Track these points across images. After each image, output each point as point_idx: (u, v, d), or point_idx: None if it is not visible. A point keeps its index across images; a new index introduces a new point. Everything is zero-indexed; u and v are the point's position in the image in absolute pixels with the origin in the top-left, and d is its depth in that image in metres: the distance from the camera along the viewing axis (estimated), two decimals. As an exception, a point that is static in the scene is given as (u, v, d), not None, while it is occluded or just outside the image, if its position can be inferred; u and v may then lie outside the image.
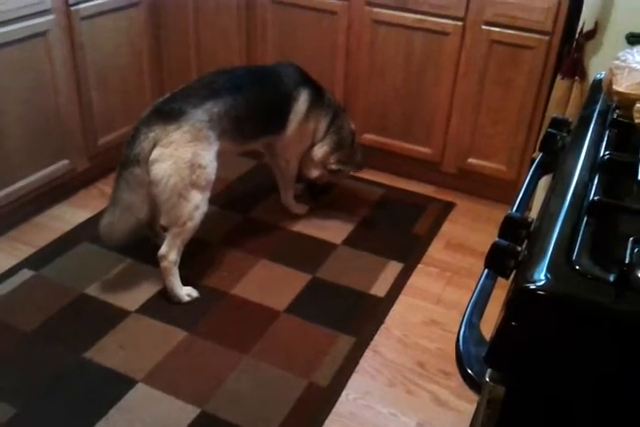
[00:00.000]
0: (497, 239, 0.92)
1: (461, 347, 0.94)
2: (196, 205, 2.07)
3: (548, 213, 0.92)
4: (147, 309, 2.10)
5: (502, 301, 0.86)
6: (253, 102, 2.25)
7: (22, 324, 2.01)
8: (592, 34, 2.11)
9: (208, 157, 2.08)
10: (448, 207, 2.76)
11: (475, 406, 0.89)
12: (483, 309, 1.03)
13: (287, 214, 2.64)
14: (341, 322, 2.09)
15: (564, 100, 2.21)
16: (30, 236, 2.44)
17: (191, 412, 1.75)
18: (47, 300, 2.11)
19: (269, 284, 2.25)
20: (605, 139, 1.13)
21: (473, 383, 0.89)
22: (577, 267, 0.77)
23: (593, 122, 1.22)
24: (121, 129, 2.75)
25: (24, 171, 2.42)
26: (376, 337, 2.06)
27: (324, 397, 1.83)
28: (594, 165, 1.03)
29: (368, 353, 2.00)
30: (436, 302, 2.23)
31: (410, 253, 2.46)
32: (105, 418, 1.72)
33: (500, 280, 0.98)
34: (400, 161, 2.88)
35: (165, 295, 2.14)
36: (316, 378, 1.88)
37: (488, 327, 0.88)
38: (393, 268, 2.37)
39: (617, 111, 1.19)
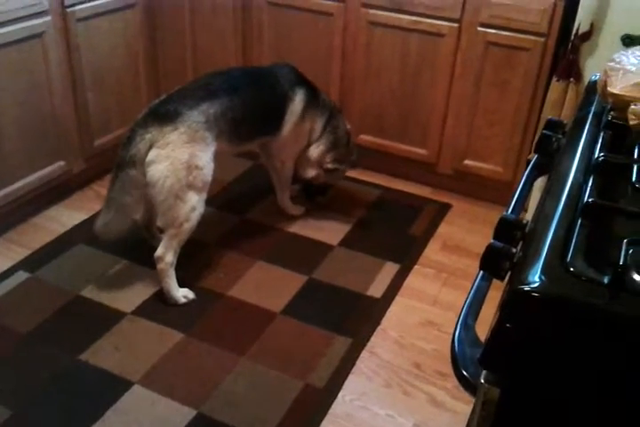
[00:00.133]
0: (492, 241, 0.93)
1: (456, 348, 0.94)
2: (193, 206, 2.07)
3: (543, 214, 0.92)
4: (143, 310, 2.10)
5: (498, 302, 0.87)
6: (249, 103, 2.25)
7: (18, 326, 2.01)
8: (587, 35, 2.12)
9: (205, 159, 2.08)
10: (444, 209, 2.77)
11: (471, 407, 0.90)
12: (478, 310, 1.03)
13: (283, 216, 2.64)
14: (338, 323, 2.09)
15: (560, 101, 2.21)
16: (26, 237, 2.44)
17: (187, 414, 1.75)
18: (43, 302, 2.11)
19: (266, 285, 2.25)
20: (600, 140, 1.13)
21: (468, 385, 0.89)
22: (571, 269, 0.77)
23: (588, 124, 1.22)
24: (117, 130, 2.75)
25: (20, 172, 2.41)
26: (372, 338, 2.06)
27: (321, 398, 1.83)
28: (588, 167, 1.03)
29: (364, 354, 2.00)
30: (432, 304, 2.23)
31: (406, 254, 2.46)
32: (101, 420, 1.71)
33: (496, 281, 0.98)
34: (396, 162, 2.89)
35: (162, 297, 2.14)
36: (312, 379, 1.88)
37: (484, 328, 0.89)
38: (389, 269, 2.37)
39: (611, 113, 1.20)
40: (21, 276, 2.22)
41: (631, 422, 0.77)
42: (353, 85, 2.78)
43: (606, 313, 0.74)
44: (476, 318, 1.01)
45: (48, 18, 2.33)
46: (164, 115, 2.04)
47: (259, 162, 2.83)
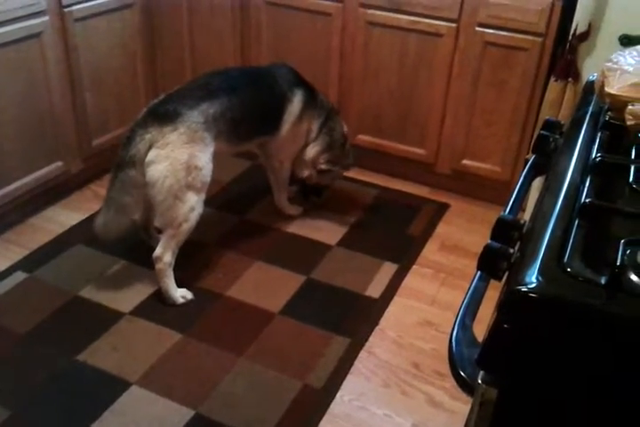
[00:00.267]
0: (489, 241, 0.93)
1: (454, 349, 0.94)
2: (192, 206, 2.07)
3: (540, 215, 0.92)
4: (141, 311, 2.10)
5: (496, 301, 0.87)
6: (248, 103, 2.25)
7: (16, 326, 2.01)
8: (585, 35, 2.12)
9: (204, 159, 2.08)
10: (442, 208, 2.77)
11: (469, 407, 0.90)
12: (476, 310, 1.03)
13: (282, 216, 2.64)
14: (336, 323, 2.09)
15: (558, 101, 2.21)
16: (24, 238, 2.44)
17: (185, 414, 1.75)
18: (41, 302, 2.11)
19: (264, 285, 2.25)
20: (597, 141, 1.14)
21: (466, 385, 0.89)
22: (568, 269, 0.77)
23: (585, 124, 1.22)
24: (115, 131, 2.75)
25: (18, 172, 2.41)
26: (371, 338, 2.06)
27: (319, 398, 1.83)
28: (586, 167, 1.03)
29: (363, 354, 2.00)
30: (430, 303, 2.23)
31: (404, 254, 2.46)
32: (99, 420, 1.71)
33: (494, 281, 0.98)
34: (394, 162, 2.89)
35: (160, 297, 2.14)
36: (310, 380, 1.88)
37: (482, 328, 0.89)
38: (387, 269, 2.37)
39: (609, 113, 1.20)
40: (19, 276, 2.22)
41: (628, 422, 0.77)
42: (351, 85, 2.78)
43: (603, 314, 0.74)
44: (473, 319, 1.01)
45: (46, 18, 2.33)
46: (163, 115, 2.04)
47: (257, 162, 2.83)
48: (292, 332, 2.05)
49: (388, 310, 2.19)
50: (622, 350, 0.74)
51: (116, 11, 2.64)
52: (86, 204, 2.65)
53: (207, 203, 2.18)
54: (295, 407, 1.78)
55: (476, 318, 1.02)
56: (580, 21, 2.10)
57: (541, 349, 0.77)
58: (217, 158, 2.16)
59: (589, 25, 2.09)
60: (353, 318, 2.13)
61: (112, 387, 1.81)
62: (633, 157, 1.06)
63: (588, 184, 0.97)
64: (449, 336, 0.97)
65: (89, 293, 2.16)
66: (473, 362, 0.84)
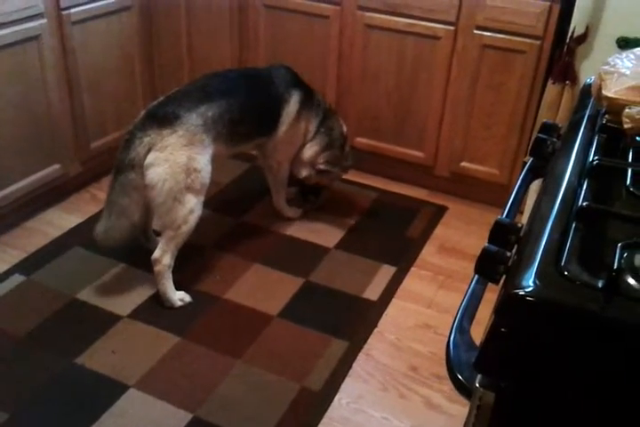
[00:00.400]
0: (486, 245, 0.93)
1: (452, 352, 0.94)
2: (191, 208, 2.07)
3: (538, 218, 0.92)
4: (139, 314, 2.09)
5: (494, 304, 0.87)
6: (246, 105, 2.25)
7: (13, 329, 2.00)
8: (583, 38, 2.13)
9: (203, 161, 2.08)
10: (441, 211, 2.77)
11: (467, 409, 0.90)
12: (473, 313, 1.03)
13: (280, 218, 2.63)
14: (334, 326, 2.09)
15: (556, 104, 2.22)
16: (22, 240, 2.43)
17: (183, 417, 1.74)
18: (39, 305, 2.10)
19: (262, 288, 2.25)
20: (595, 144, 1.14)
21: (463, 389, 0.89)
22: (565, 273, 0.77)
23: (582, 127, 1.23)
24: (113, 133, 2.75)
25: (15, 175, 2.41)
26: (369, 341, 2.06)
27: (317, 401, 1.82)
28: (583, 171, 1.04)
29: (361, 357, 2.00)
30: (428, 306, 2.23)
31: (403, 256, 2.46)
32: (97, 423, 1.71)
33: (493, 284, 0.98)
34: (393, 165, 2.89)
35: (158, 300, 2.14)
36: (308, 382, 1.87)
37: (481, 330, 0.89)
38: (386, 271, 2.37)
39: (606, 116, 1.20)
40: (17, 279, 2.22)
41: (628, 424, 0.77)
42: (349, 88, 2.78)
43: (601, 317, 0.74)
44: (471, 322, 1.01)
45: (44, 20, 2.33)
46: (162, 118, 2.04)
47: (255, 164, 2.83)
48: (290, 335, 2.05)
49: (386, 312, 2.19)
50: (619, 354, 0.74)
51: (114, 13, 2.64)
52: (84, 206, 2.65)
53: (205, 205, 2.18)
54: (293, 410, 1.78)
55: (475, 321, 1.02)
56: (577, 24, 2.11)
57: (539, 352, 0.77)
58: (215, 160, 2.16)
59: (587, 28, 2.10)
60: (351, 321, 2.13)
61: (110, 390, 1.81)
62: (630, 160, 1.06)
63: (585, 187, 0.97)
64: (446, 340, 0.97)
65: (87, 295, 2.16)
66: (470, 366, 0.84)
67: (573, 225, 0.87)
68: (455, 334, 0.96)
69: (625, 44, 2.03)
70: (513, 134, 2.56)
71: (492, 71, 2.48)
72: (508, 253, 0.91)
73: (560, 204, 0.93)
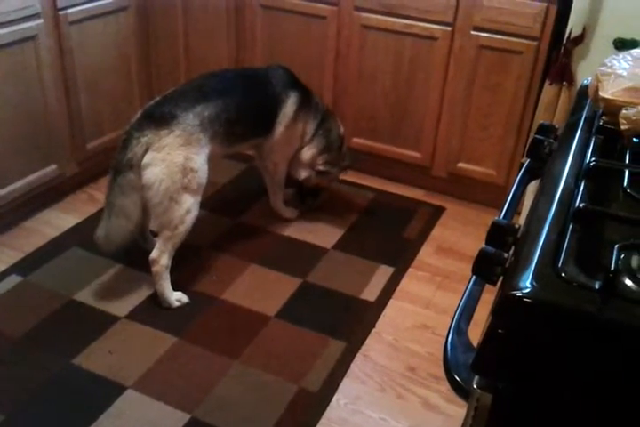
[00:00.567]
0: (483, 246, 0.93)
1: (449, 353, 0.94)
2: (188, 208, 2.07)
3: (535, 219, 0.92)
4: (136, 314, 2.09)
5: (491, 305, 0.87)
6: (243, 105, 2.25)
7: (11, 330, 2.00)
8: (580, 39, 2.13)
9: (200, 161, 2.08)
10: (438, 211, 2.77)
11: (465, 410, 0.90)
12: (471, 315, 1.03)
13: (277, 219, 2.63)
14: (332, 327, 2.09)
15: (553, 105, 2.22)
16: (19, 241, 2.43)
17: (181, 418, 1.74)
18: (36, 305, 2.10)
19: (259, 288, 2.25)
20: (592, 145, 1.14)
21: (461, 390, 0.89)
22: (563, 274, 0.77)
23: (579, 128, 1.23)
24: (110, 134, 2.74)
25: (12, 176, 2.41)
26: (367, 342, 2.06)
27: (315, 402, 1.83)
28: (580, 172, 1.04)
29: (359, 358, 2.00)
30: (426, 307, 2.23)
31: (400, 257, 2.46)
32: (94, 424, 1.71)
33: (490, 285, 0.99)
34: (390, 165, 2.89)
35: (156, 300, 2.13)
36: (306, 383, 1.87)
37: (478, 331, 0.89)
38: (383, 272, 2.37)
39: (603, 118, 1.20)
40: (14, 279, 2.21)
41: (626, 425, 0.77)
42: (346, 88, 2.78)
43: (598, 319, 0.74)
44: (468, 323, 1.01)
45: (40, 21, 2.33)
46: (159, 117, 2.04)
47: (253, 164, 2.83)
48: (287, 335, 2.05)
49: (383, 313, 2.19)
50: (616, 355, 0.74)
51: (111, 13, 2.64)
52: (81, 207, 2.65)
53: (202, 205, 2.18)
54: (291, 411, 1.78)
55: (472, 322, 1.02)
56: (574, 25, 2.11)
57: (536, 354, 0.77)
58: (213, 160, 2.17)
59: (584, 29, 2.11)
60: (349, 322, 2.13)
61: (107, 391, 1.81)
62: (627, 161, 1.06)
63: (582, 189, 0.97)
64: (444, 341, 0.97)
65: (84, 296, 2.16)
66: (468, 367, 0.84)
67: (570, 226, 0.87)
68: (452, 336, 0.96)
69: (622, 45, 2.03)
70: (510, 135, 2.56)
71: (489, 72, 2.48)
72: (506, 255, 0.91)
73: (557, 205, 0.93)
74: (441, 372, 0.96)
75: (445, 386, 1.87)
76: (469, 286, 1.07)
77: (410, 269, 2.41)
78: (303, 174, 2.59)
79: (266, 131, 2.40)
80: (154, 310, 2.12)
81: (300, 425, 1.76)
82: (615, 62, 1.25)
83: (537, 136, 1.32)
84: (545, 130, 1.35)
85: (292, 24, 2.73)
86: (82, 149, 2.69)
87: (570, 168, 1.06)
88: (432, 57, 2.55)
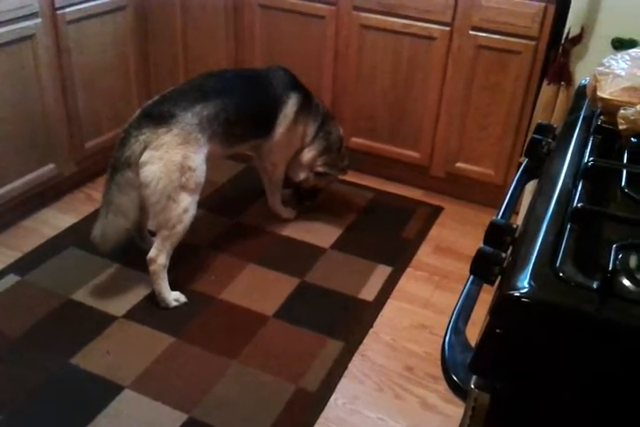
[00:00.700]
0: (481, 246, 0.93)
1: (447, 353, 0.94)
2: (186, 207, 2.06)
3: (533, 219, 0.92)
4: (134, 314, 2.09)
5: (489, 305, 0.87)
6: (242, 105, 2.25)
7: (8, 329, 1.99)
8: (578, 39, 2.13)
9: (198, 160, 2.08)
10: (436, 211, 2.77)
11: (463, 410, 0.90)
12: (469, 315, 1.03)
13: (275, 218, 2.63)
14: (330, 326, 2.09)
15: (551, 104, 2.22)
16: (16, 240, 2.42)
17: (178, 418, 1.74)
18: (33, 305, 2.09)
19: (258, 288, 2.25)
20: (590, 145, 1.14)
21: (458, 390, 0.89)
22: (560, 274, 0.77)
23: (577, 128, 1.23)
24: (108, 133, 2.74)
25: (10, 175, 2.40)
26: (365, 341, 2.06)
27: (313, 402, 1.82)
28: (578, 172, 1.04)
29: (357, 358, 2.00)
30: (424, 306, 2.23)
31: (398, 257, 2.46)
32: (92, 424, 1.71)
33: (488, 285, 0.98)
34: (388, 165, 2.89)
35: (153, 300, 2.13)
36: (304, 383, 1.87)
37: (476, 331, 0.89)
38: (382, 272, 2.37)
39: (601, 117, 1.20)
40: (12, 279, 2.21)
41: (624, 425, 0.77)
42: (345, 88, 2.78)
43: (595, 318, 0.74)
44: (466, 323, 1.01)
45: (38, 20, 2.32)
46: (157, 116, 2.04)
47: (251, 164, 2.83)
48: (285, 335, 2.05)
49: (381, 313, 2.19)
50: (614, 355, 0.74)
51: (109, 13, 2.63)
52: (79, 206, 2.64)
53: (200, 205, 2.18)
54: (289, 411, 1.78)
55: (470, 322, 1.02)
56: (572, 25, 2.11)
57: (534, 354, 0.77)
58: (211, 160, 2.16)
59: (582, 28, 2.11)
60: (347, 321, 2.12)
61: (105, 391, 1.80)
62: (625, 161, 1.06)
63: (580, 188, 0.97)
64: (442, 341, 0.97)
65: (82, 296, 2.15)
66: (466, 367, 0.84)
67: (568, 226, 0.87)
68: (450, 335, 0.96)
69: (620, 44, 2.04)
70: (508, 135, 2.56)
71: (488, 72, 2.48)
72: (504, 254, 0.91)
73: (555, 205, 0.93)
74: (439, 372, 0.96)
75: (443, 386, 1.87)
76: (467, 286, 1.07)
77: (408, 269, 2.41)
78: (301, 176, 2.59)
79: (265, 132, 2.39)
80: (152, 309, 2.11)
81: (298, 425, 1.75)
82: (613, 62, 1.25)
83: (535, 136, 1.32)
84: (543, 130, 1.35)
85: (291, 23, 2.73)
86: (80, 149, 2.69)
87: (568, 168, 1.06)
88: (430, 57, 2.55)
